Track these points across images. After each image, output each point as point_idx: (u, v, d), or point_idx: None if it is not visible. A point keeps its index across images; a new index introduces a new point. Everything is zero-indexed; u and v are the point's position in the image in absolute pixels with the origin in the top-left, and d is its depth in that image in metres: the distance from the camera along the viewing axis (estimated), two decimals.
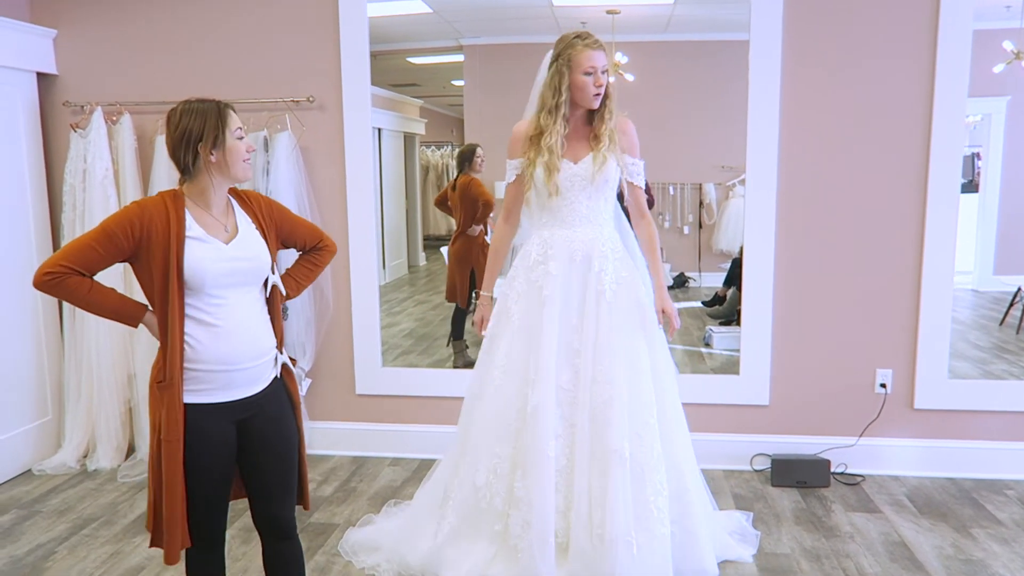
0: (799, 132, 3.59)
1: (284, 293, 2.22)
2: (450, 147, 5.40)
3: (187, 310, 2.01)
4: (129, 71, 3.94)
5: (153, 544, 2.08)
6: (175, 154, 2.04)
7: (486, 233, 4.48)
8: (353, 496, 3.55)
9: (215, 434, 2.05)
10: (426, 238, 5.45)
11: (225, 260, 2.03)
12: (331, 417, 4.05)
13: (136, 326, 2.06)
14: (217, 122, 2.02)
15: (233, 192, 2.14)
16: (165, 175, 3.85)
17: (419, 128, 5.19)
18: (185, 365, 2.01)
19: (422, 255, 5.46)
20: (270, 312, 2.17)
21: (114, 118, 3.88)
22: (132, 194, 3.87)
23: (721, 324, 4.57)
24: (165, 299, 1.98)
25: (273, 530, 2.22)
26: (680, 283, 4.90)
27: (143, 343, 3.89)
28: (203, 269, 1.99)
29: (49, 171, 4.01)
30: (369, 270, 3.93)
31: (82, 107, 3.92)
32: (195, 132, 2.00)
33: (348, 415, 4.04)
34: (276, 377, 2.18)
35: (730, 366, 3.94)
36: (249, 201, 2.18)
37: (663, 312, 2.77)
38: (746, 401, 3.75)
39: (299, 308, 3.85)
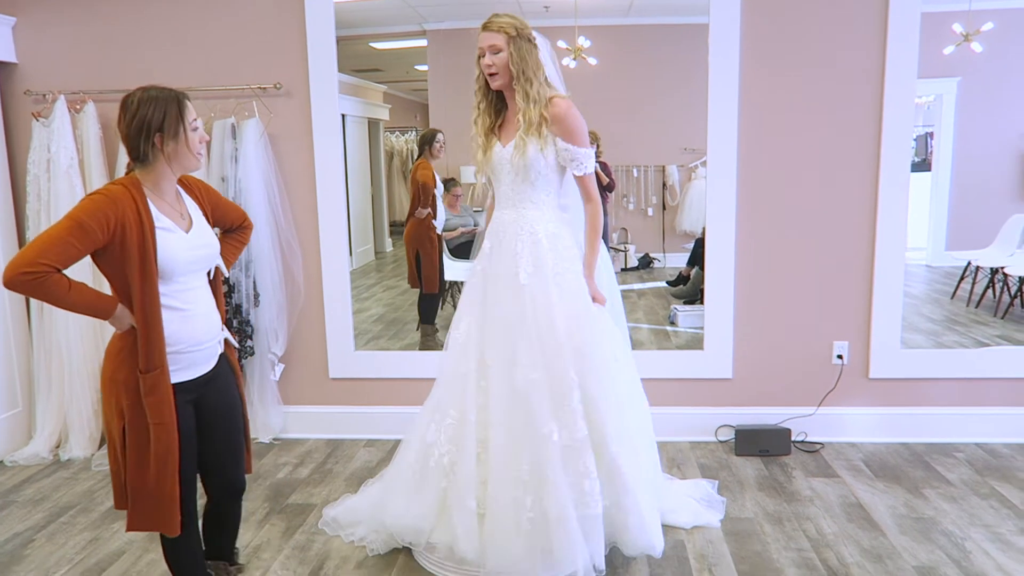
0: (757, 115, 3.70)
1: (226, 274, 2.34)
2: (414, 132, 5.42)
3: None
4: (92, 59, 3.90)
5: (134, 527, 2.16)
6: (131, 142, 2.09)
7: (434, 216, 4.51)
8: (329, 477, 3.61)
9: (184, 412, 2.16)
10: (392, 224, 5.46)
11: (191, 248, 2.14)
12: (305, 401, 4.09)
13: (108, 319, 2.08)
14: (177, 113, 2.08)
15: (180, 179, 2.23)
16: None
17: (383, 114, 5.20)
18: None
19: (388, 241, 5.48)
20: (214, 292, 2.30)
21: (78, 107, 3.85)
22: (98, 183, 3.85)
23: (685, 303, 4.68)
24: (144, 289, 2.04)
25: (229, 493, 2.38)
26: (645, 264, 5.00)
27: (113, 332, 3.88)
28: (175, 258, 2.09)
29: (12, 161, 3.97)
30: (340, 256, 3.96)
31: (44, 96, 3.88)
32: (154, 122, 2.06)
33: (322, 399, 4.09)
34: (221, 352, 2.32)
35: (695, 343, 4.06)
36: (191, 186, 2.28)
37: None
38: (710, 375, 3.88)
39: (271, 294, 3.88)
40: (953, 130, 4.47)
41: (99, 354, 3.93)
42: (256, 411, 3.99)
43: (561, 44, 4.28)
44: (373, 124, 5.15)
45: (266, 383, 3.97)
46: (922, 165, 4.53)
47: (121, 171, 3.86)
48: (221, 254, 2.35)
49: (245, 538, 3.01)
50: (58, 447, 3.95)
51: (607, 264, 3.07)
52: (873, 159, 3.67)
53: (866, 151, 3.68)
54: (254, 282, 3.83)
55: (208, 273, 2.28)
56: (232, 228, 2.45)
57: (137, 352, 2.07)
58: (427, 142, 4.48)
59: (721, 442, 3.89)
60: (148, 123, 2.05)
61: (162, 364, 2.07)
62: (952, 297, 4.62)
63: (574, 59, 4.33)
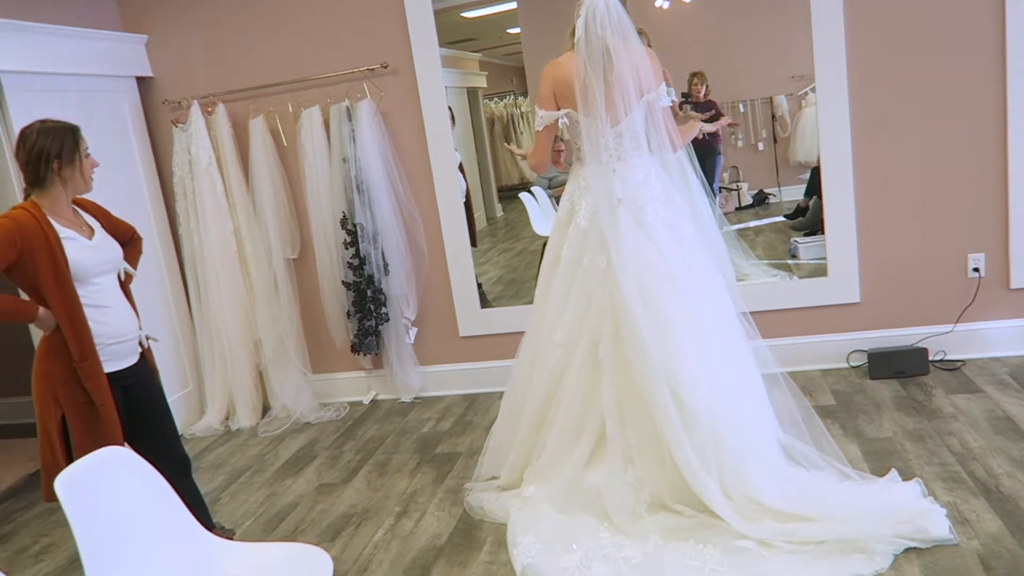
0: (865, 29, 3.57)
1: (134, 274, 2.66)
2: (512, 96, 5.51)
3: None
4: (217, 64, 4.24)
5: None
6: (30, 167, 2.39)
7: None
8: (470, 428, 3.84)
9: (115, 395, 2.48)
10: (500, 189, 5.58)
11: (96, 251, 2.46)
12: (439, 361, 4.34)
13: (32, 321, 2.39)
14: (74, 143, 2.41)
15: (74, 200, 2.52)
16: (262, 156, 4.16)
17: (481, 81, 5.30)
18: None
19: (498, 206, 5.62)
20: (126, 293, 2.60)
21: (209, 109, 4.19)
22: (235, 178, 4.20)
23: (806, 235, 4.58)
24: (61, 290, 2.35)
25: (178, 471, 2.65)
26: (760, 200, 4.90)
27: (263, 312, 4.26)
28: (82, 260, 2.40)
29: (159, 165, 4.38)
30: (458, 220, 4.15)
31: (179, 103, 4.25)
32: (52, 151, 2.37)
33: (455, 357, 4.32)
34: (141, 353, 2.66)
35: (819, 273, 3.98)
36: (86, 206, 2.58)
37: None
38: (836, 301, 3.83)
39: (398, 263, 4.13)
40: None
41: (252, 332, 4.31)
42: (396, 373, 4.27)
43: None
44: (472, 93, 5.27)
45: (402, 346, 4.24)
46: None
47: (254, 165, 4.19)
48: (125, 259, 2.64)
49: (400, 486, 3.28)
50: (227, 419, 4.38)
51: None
52: (999, 52, 3.46)
53: (990, 46, 3.47)
54: (382, 253, 4.08)
55: (119, 276, 2.59)
56: (126, 241, 2.70)
57: (64, 349, 2.39)
58: None
59: (854, 367, 3.84)
60: (47, 152, 2.37)
61: (94, 353, 2.40)
62: None
63: (667, 0, 4.29)
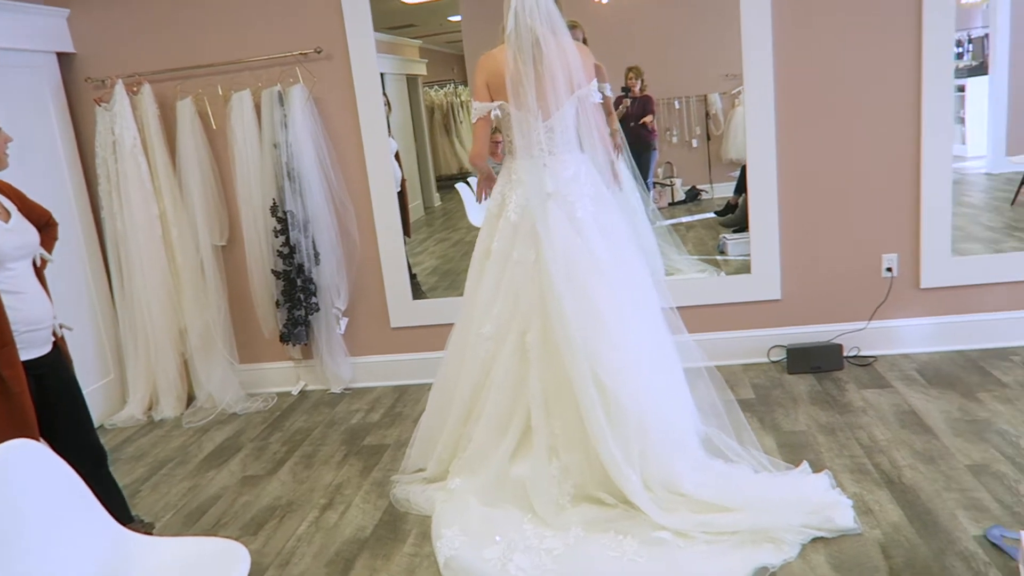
0: (792, 30, 3.68)
1: (50, 260, 2.57)
2: (453, 84, 5.49)
3: None
4: (143, 42, 4.09)
5: None
6: None
7: None
8: (399, 420, 3.83)
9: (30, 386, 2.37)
10: (438, 178, 5.56)
11: (13, 235, 2.37)
12: (370, 351, 4.31)
13: None
14: None
15: None
16: (190, 139, 4.05)
17: (420, 69, 5.25)
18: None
19: (436, 196, 5.60)
20: (40, 279, 2.52)
21: (135, 89, 4.05)
22: (161, 160, 4.08)
23: (735, 231, 4.69)
24: None
25: (93, 460, 2.61)
26: (692, 196, 5.01)
27: (189, 299, 4.16)
28: (0, 244, 2.31)
29: (81, 146, 4.22)
30: (391, 209, 4.12)
31: (103, 81, 4.09)
32: None
33: (385, 348, 4.30)
34: (55, 342, 2.55)
35: (745, 270, 4.10)
36: (3, 188, 2.49)
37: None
38: (759, 297, 3.95)
39: (329, 251, 4.08)
40: (1010, 31, 4.33)
41: (178, 320, 4.21)
42: (325, 364, 4.23)
43: None
44: (411, 80, 5.22)
45: (333, 337, 4.20)
46: (979, 69, 4.41)
47: (181, 146, 4.07)
48: (41, 244, 2.56)
49: (326, 478, 3.26)
50: (150, 409, 4.26)
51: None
52: (914, 64, 3.61)
53: (906, 58, 3.62)
54: (313, 241, 4.02)
55: (34, 262, 2.51)
56: (41, 226, 2.61)
57: None
58: None
59: (773, 362, 3.97)
60: None
61: (12, 340, 2.31)
62: (1012, 204, 4.52)
63: None
